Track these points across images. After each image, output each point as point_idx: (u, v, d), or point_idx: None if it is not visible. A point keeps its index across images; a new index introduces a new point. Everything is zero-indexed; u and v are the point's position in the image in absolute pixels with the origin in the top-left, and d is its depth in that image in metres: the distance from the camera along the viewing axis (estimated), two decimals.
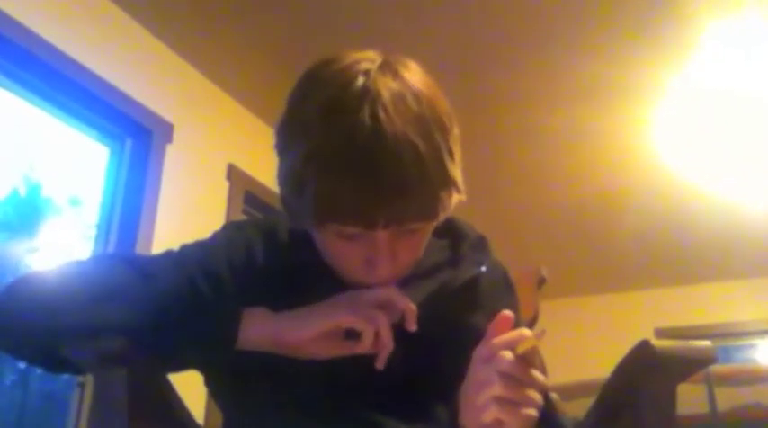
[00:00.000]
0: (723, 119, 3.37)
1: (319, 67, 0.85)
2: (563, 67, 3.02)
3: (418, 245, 0.88)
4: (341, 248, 0.85)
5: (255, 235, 0.96)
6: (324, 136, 0.78)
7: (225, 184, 3.21)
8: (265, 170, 3.20)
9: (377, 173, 0.76)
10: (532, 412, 0.75)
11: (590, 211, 4.21)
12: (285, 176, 0.84)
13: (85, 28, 2.62)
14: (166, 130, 2.92)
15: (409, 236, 0.84)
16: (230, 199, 3.21)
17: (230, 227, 1.00)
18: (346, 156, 0.77)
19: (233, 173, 3.21)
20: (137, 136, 2.84)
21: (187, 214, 2.92)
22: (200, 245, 0.95)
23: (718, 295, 5.12)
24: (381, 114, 0.77)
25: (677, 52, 2.90)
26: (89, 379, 2.43)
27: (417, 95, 0.81)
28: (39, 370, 2.79)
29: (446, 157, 0.81)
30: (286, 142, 0.84)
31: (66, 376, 2.59)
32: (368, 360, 0.85)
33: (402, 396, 0.88)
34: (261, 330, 0.84)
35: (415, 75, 0.84)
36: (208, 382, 0.95)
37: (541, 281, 1.28)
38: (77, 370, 0.89)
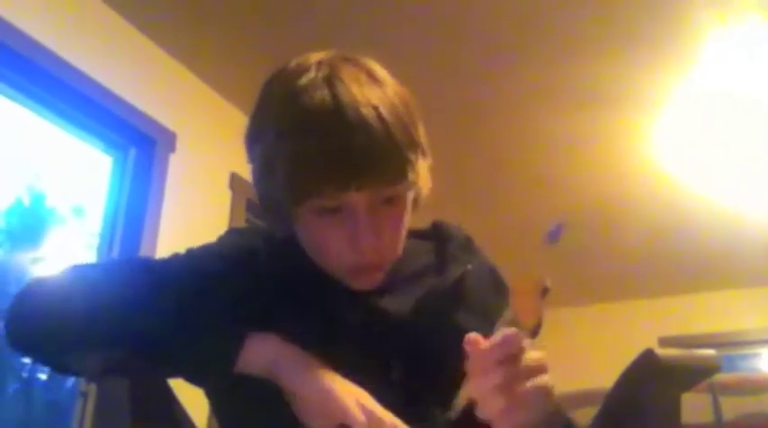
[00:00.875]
0: (726, 124, 3.36)
1: (275, 72, 0.90)
2: (564, 74, 3.02)
3: (399, 218, 0.88)
4: (322, 230, 0.85)
5: (257, 241, 0.97)
6: (286, 116, 0.83)
7: (227, 193, 3.21)
8: None
9: (341, 134, 0.79)
10: (539, 391, 0.74)
11: (592, 219, 4.21)
12: (257, 167, 0.87)
13: (89, 38, 2.64)
14: (170, 140, 2.92)
15: (388, 207, 0.85)
16: (233, 208, 3.21)
17: (234, 234, 1.01)
18: (310, 125, 0.80)
19: (235, 182, 3.22)
20: (140, 145, 2.84)
21: (190, 223, 2.92)
22: (206, 251, 0.96)
23: (721, 303, 5.11)
24: (338, 85, 0.81)
25: (679, 57, 2.91)
26: (92, 389, 2.43)
27: (374, 76, 0.85)
28: (42, 380, 2.79)
29: (408, 122, 0.84)
30: (255, 136, 0.89)
31: (68, 385, 2.59)
32: (368, 370, 0.85)
33: (400, 401, 0.88)
34: (261, 362, 0.84)
35: (369, 63, 0.88)
36: (208, 394, 0.95)
37: (545, 291, 1.27)
38: (85, 376, 0.90)
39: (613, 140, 3.53)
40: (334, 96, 0.80)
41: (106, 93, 2.63)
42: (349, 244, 0.84)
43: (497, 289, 1.03)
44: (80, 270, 0.91)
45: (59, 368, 0.88)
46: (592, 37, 2.82)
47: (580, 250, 4.58)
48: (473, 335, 0.77)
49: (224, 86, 3.19)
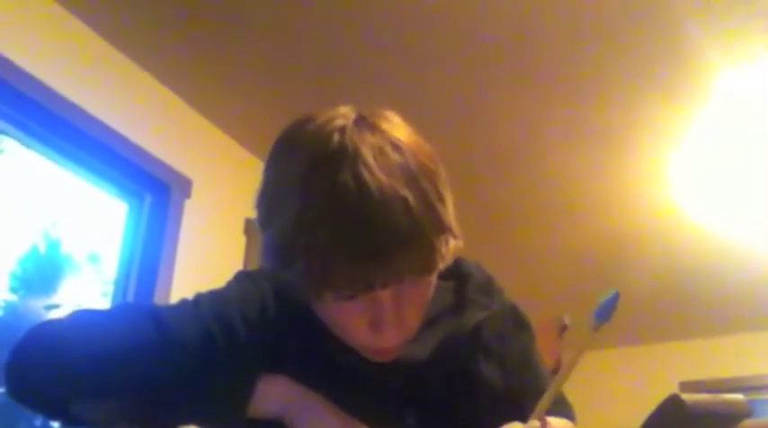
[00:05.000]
0: (742, 162, 3.34)
1: (291, 131, 0.83)
2: (578, 113, 3.03)
3: (423, 298, 0.84)
4: (342, 314, 0.80)
5: (267, 286, 0.95)
6: (307, 202, 0.74)
7: (242, 239, 3.22)
8: None
9: (367, 233, 0.72)
10: None
11: (609, 260, 4.17)
12: (271, 250, 0.79)
13: (104, 84, 2.67)
14: (185, 186, 2.94)
15: (412, 289, 0.80)
16: (247, 253, 3.21)
17: (243, 278, 0.99)
18: (333, 221, 0.72)
19: (250, 228, 3.22)
20: (155, 191, 2.86)
21: (204, 269, 2.92)
22: (215, 297, 0.94)
23: (743, 347, 5.02)
24: (363, 171, 0.73)
25: (692, 95, 2.91)
26: None
27: (397, 145, 0.77)
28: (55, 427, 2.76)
29: (437, 203, 0.77)
30: (268, 214, 0.81)
31: None
32: (382, 417, 0.84)
33: None
34: (273, 406, 0.83)
35: (392, 124, 0.80)
36: None
37: (563, 329, 1.25)
38: (92, 425, 0.87)
39: (629, 179, 3.52)
40: (358, 185, 0.72)
41: (121, 139, 2.66)
42: (371, 330, 0.80)
43: (519, 328, 1.00)
44: (85, 314, 0.89)
45: (61, 417, 0.86)
46: (605, 76, 2.83)
47: (595, 292, 4.53)
48: None
49: (239, 132, 3.22)
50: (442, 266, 0.81)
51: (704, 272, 4.23)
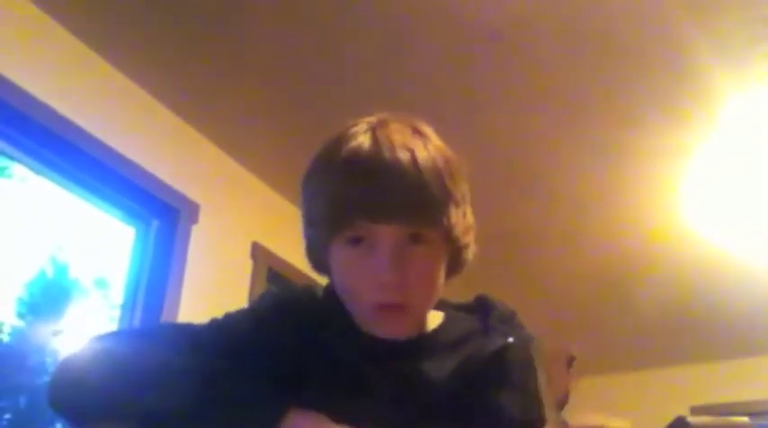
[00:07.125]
0: (753, 184, 3.33)
1: (323, 144, 0.94)
2: (588, 133, 3.03)
3: (426, 260, 0.88)
4: (350, 265, 0.87)
5: (293, 302, 0.96)
6: (331, 161, 0.88)
7: (249, 262, 3.21)
8: (289, 247, 3.20)
9: (375, 171, 0.84)
10: None
11: (620, 282, 4.14)
12: (304, 211, 0.92)
13: (112, 111, 2.68)
14: (192, 211, 2.94)
15: (415, 246, 0.86)
16: (254, 276, 3.20)
17: (270, 296, 1.00)
18: (348, 165, 0.85)
19: (257, 252, 3.21)
20: (163, 216, 2.86)
21: (211, 294, 2.91)
22: (242, 314, 0.95)
23: (756, 370, 4.96)
24: (381, 136, 0.86)
25: (703, 118, 2.91)
26: None
27: (417, 130, 0.90)
28: None
29: (443, 171, 0.86)
30: (305, 196, 0.93)
31: None
32: None
33: None
34: None
35: (418, 121, 0.92)
36: None
37: (570, 360, 1.24)
38: None
39: (639, 201, 3.50)
40: (375, 140, 0.86)
41: (129, 164, 2.67)
42: (373, 278, 0.85)
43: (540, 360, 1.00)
44: (123, 337, 0.94)
45: None
46: (616, 99, 2.84)
47: (606, 316, 4.50)
48: None
49: (247, 157, 3.23)
50: (446, 227, 0.87)
51: (715, 295, 4.20)
